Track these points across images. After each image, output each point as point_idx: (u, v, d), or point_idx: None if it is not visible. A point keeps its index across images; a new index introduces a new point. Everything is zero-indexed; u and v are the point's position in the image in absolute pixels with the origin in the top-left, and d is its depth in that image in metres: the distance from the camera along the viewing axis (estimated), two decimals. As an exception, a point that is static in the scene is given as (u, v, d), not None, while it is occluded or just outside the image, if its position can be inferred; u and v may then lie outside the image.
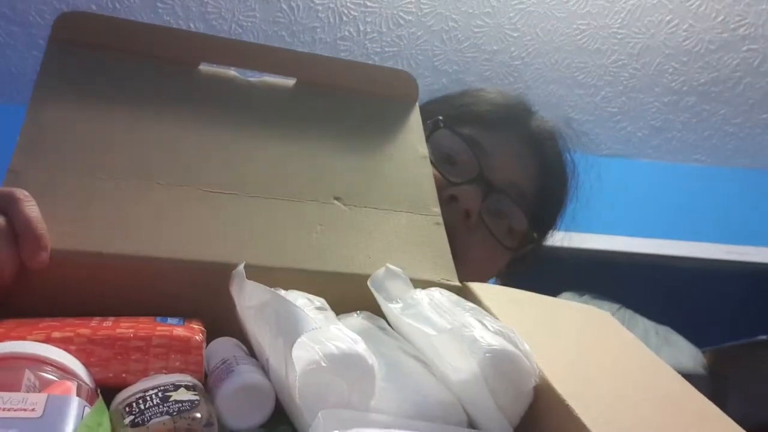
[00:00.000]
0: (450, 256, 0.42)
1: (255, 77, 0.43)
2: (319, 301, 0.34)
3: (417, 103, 0.47)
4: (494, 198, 0.56)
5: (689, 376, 2.09)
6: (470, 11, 1.87)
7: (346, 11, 1.90)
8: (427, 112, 0.62)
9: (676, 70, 2.05)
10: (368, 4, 1.87)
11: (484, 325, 0.31)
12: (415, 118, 0.46)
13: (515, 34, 1.95)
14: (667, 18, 1.86)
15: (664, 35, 1.92)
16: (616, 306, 2.34)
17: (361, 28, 1.96)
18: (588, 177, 0.69)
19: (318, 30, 1.98)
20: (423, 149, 0.46)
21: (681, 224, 2.35)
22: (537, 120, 0.63)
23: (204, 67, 0.42)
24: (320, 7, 1.90)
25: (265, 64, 0.44)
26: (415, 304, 0.35)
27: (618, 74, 2.08)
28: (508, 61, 2.05)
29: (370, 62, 2.08)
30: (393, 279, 0.36)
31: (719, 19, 1.85)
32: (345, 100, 0.44)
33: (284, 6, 1.90)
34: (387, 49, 2.03)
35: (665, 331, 2.32)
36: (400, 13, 1.89)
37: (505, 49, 2.01)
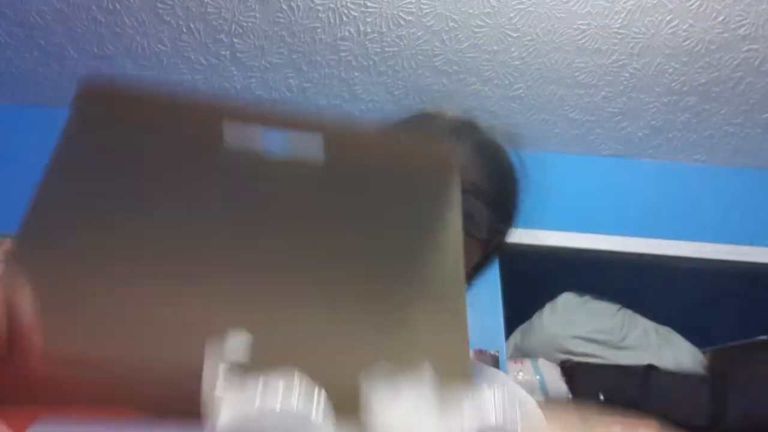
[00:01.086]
0: None
1: (283, 146, 0.39)
2: None
3: (458, 181, 0.43)
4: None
5: (689, 376, 2.10)
6: (470, 11, 1.87)
7: (346, 11, 1.90)
8: None
9: (676, 70, 2.05)
10: (368, 4, 1.87)
11: None
12: (456, 201, 0.42)
13: (515, 35, 1.95)
14: (668, 18, 1.86)
15: (664, 35, 1.92)
16: (616, 306, 2.34)
17: (362, 29, 1.96)
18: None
19: (318, 30, 1.98)
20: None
21: (681, 224, 2.35)
22: (484, 132, 0.68)
23: (228, 134, 0.38)
24: (320, 8, 1.90)
25: (292, 125, 0.40)
26: None
27: (618, 74, 2.08)
28: (508, 62, 2.05)
29: (371, 64, 2.08)
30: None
31: (720, 19, 1.85)
32: (378, 179, 0.40)
33: (284, 6, 1.90)
34: (387, 50, 2.03)
35: (665, 331, 2.33)
36: (401, 14, 1.89)
37: (506, 50, 2.01)
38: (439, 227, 0.40)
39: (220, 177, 0.38)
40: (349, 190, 0.39)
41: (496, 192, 0.64)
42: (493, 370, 0.72)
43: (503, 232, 0.71)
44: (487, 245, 0.67)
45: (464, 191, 0.57)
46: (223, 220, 0.36)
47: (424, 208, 0.40)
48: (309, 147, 0.38)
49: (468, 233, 0.60)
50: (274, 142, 0.39)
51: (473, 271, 0.69)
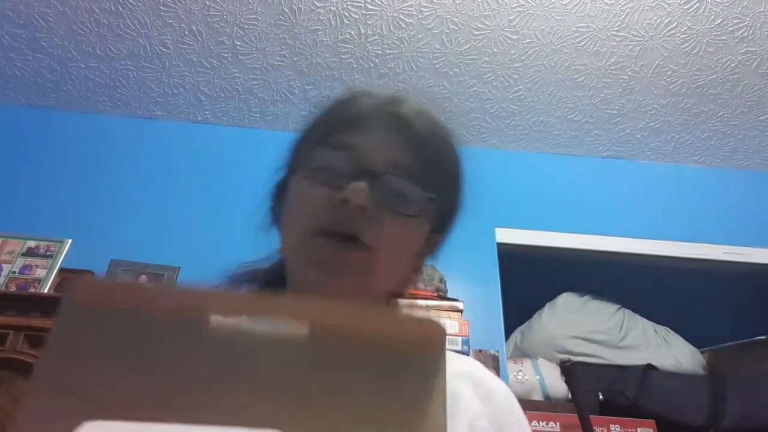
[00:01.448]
0: None
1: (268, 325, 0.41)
2: None
3: (443, 358, 0.45)
4: (380, 182, 0.59)
5: (688, 376, 2.10)
6: (470, 14, 1.89)
7: (347, 14, 1.92)
8: (306, 137, 0.67)
9: (674, 72, 2.07)
10: (369, 6, 1.88)
11: None
12: (440, 379, 0.41)
13: (515, 37, 1.96)
14: (666, 20, 1.87)
15: (662, 37, 1.93)
16: (615, 307, 2.35)
17: (362, 31, 1.97)
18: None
19: (319, 32, 1.99)
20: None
21: (680, 225, 2.36)
22: (405, 106, 0.67)
23: (216, 321, 0.40)
24: (321, 10, 1.91)
25: (278, 312, 0.42)
26: None
27: (617, 76, 2.10)
28: (508, 64, 2.07)
29: (372, 66, 2.10)
30: None
31: (717, 21, 1.86)
32: (362, 355, 0.42)
33: (286, 9, 1.91)
34: (388, 52, 2.04)
35: (664, 331, 2.34)
36: (401, 16, 1.91)
37: (505, 52, 2.02)
38: (420, 409, 0.39)
39: (204, 352, 0.39)
40: (332, 366, 0.40)
41: (424, 167, 0.62)
42: (466, 359, 0.71)
43: (447, 212, 0.69)
44: (429, 225, 0.65)
45: (386, 174, 0.59)
46: (205, 393, 0.37)
47: (407, 389, 0.40)
48: (294, 329, 0.40)
49: (401, 213, 0.60)
50: (259, 326, 0.41)
51: (421, 256, 0.68)
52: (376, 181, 0.58)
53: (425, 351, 0.40)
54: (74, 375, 0.39)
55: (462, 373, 0.65)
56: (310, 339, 0.39)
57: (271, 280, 0.69)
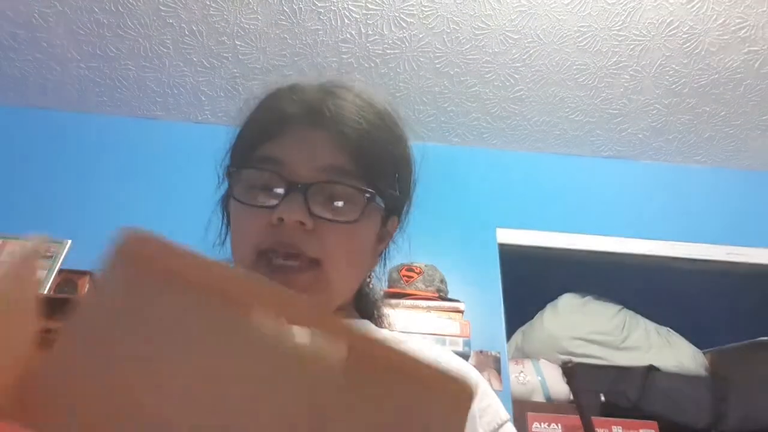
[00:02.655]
0: None
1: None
2: None
3: (465, 419, 0.46)
4: (313, 193, 0.56)
5: (690, 377, 2.09)
6: (471, 13, 1.88)
7: (347, 13, 1.91)
8: (234, 150, 0.65)
9: (676, 72, 2.06)
10: (370, 6, 1.88)
11: None
12: None
13: (516, 36, 1.96)
14: (668, 20, 1.86)
15: (664, 37, 1.93)
16: (617, 307, 2.34)
17: (363, 30, 1.97)
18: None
19: (320, 32, 1.98)
20: None
21: (682, 225, 2.36)
22: (330, 100, 0.61)
23: (257, 317, 0.40)
24: (322, 10, 1.90)
25: (320, 326, 0.42)
26: None
27: (619, 76, 2.09)
28: (509, 63, 2.06)
29: (373, 66, 2.09)
30: None
31: (720, 21, 1.85)
32: (390, 395, 0.42)
33: (286, 8, 1.91)
34: (389, 51, 2.04)
35: (666, 332, 2.33)
36: (402, 15, 1.90)
37: (507, 51, 2.01)
38: None
39: (234, 348, 0.39)
40: (359, 396, 0.40)
41: (364, 163, 0.58)
42: (433, 346, 0.69)
43: (398, 198, 0.65)
44: (379, 218, 0.61)
45: (317, 183, 0.55)
46: (229, 399, 0.37)
47: None
48: (332, 348, 0.40)
49: (342, 220, 0.56)
50: (298, 335, 0.40)
51: (380, 243, 0.65)
52: (308, 192, 0.55)
53: (451, 408, 0.40)
54: (104, 332, 0.38)
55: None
56: (345, 363, 0.39)
57: None
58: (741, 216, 2.40)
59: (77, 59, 2.17)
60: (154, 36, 2.04)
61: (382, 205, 0.60)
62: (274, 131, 0.59)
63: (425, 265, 1.92)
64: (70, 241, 1.79)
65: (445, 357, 0.65)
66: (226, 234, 0.69)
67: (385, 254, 0.70)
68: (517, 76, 2.12)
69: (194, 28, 2.00)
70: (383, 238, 0.66)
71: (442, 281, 1.94)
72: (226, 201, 0.67)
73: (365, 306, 0.72)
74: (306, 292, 0.55)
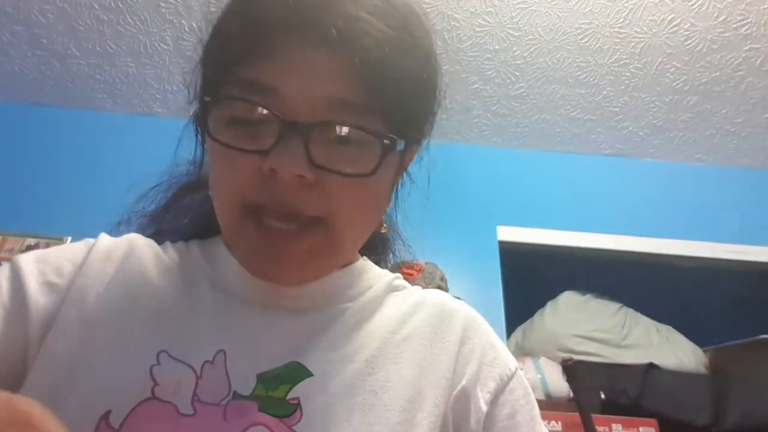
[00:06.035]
0: None
1: None
2: None
3: None
4: (317, 136, 0.43)
5: (690, 375, 2.09)
6: (472, 10, 1.87)
7: (348, 10, 1.90)
8: (209, 57, 0.51)
9: (677, 70, 2.05)
10: (370, 3, 1.87)
11: None
12: None
13: (517, 33, 1.95)
14: (669, 17, 1.86)
15: (665, 34, 1.92)
16: (617, 305, 2.34)
17: (363, 28, 1.96)
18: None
19: (320, 29, 1.98)
20: None
21: (682, 223, 2.35)
22: (336, 3, 0.44)
23: None
24: (322, 7, 1.90)
25: None
26: None
27: (620, 73, 2.08)
28: (510, 60, 2.05)
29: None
30: None
31: (721, 18, 1.85)
32: None
33: (286, 5, 1.90)
34: (389, 48, 2.03)
35: (666, 330, 2.33)
36: (402, 13, 1.89)
37: (507, 48, 2.01)
38: None
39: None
40: None
41: (385, 94, 0.44)
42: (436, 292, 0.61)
43: (420, 123, 0.54)
44: (398, 158, 0.50)
45: (321, 124, 0.42)
46: None
47: None
48: None
49: (354, 172, 0.44)
50: None
51: (394, 185, 0.55)
52: (309, 136, 0.42)
53: None
54: None
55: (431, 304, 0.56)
56: None
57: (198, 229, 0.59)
58: (741, 214, 2.40)
59: (77, 56, 2.16)
60: (154, 33, 2.04)
61: (402, 145, 0.48)
62: (263, 47, 0.44)
63: (425, 263, 1.92)
64: (69, 239, 1.79)
65: (441, 297, 0.58)
66: (201, 160, 0.57)
67: (397, 188, 0.58)
68: (517, 73, 2.11)
69: (194, 25, 2.00)
70: (399, 172, 0.55)
71: (443, 279, 1.94)
72: (200, 124, 0.52)
73: (383, 250, 0.65)
74: (307, 257, 0.46)
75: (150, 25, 2.01)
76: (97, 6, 1.95)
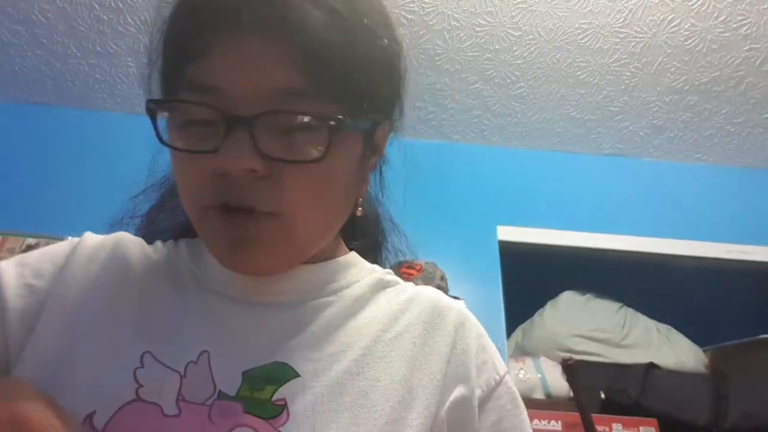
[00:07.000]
0: None
1: None
2: None
3: None
4: (262, 127, 0.42)
5: (690, 375, 2.09)
6: (472, 10, 1.87)
7: (348, 10, 1.90)
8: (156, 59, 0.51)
9: (677, 69, 2.05)
10: (370, 3, 1.87)
11: None
12: None
13: (517, 33, 1.95)
14: (669, 17, 1.86)
15: (665, 34, 1.92)
16: (617, 305, 2.34)
17: (364, 27, 1.96)
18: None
19: (320, 29, 1.98)
20: None
21: (682, 223, 2.35)
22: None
23: None
24: (322, 6, 1.90)
25: None
26: None
27: (620, 73, 2.08)
28: (510, 60, 2.05)
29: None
30: None
31: (721, 18, 1.85)
32: None
33: (286, 5, 1.90)
34: (389, 48, 2.03)
35: (666, 329, 2.33)
36: (403, 12, 1.89)
37: (507, 48, 2.01)
38: None
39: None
40: None
41: (332, 75, 0.44)
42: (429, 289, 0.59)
43: (384, 101, 0.53)
44: (360, 137, 0.49)
45: (267, 114, 0.42)
46: None
47: None
48: None
49: (305, 158, 0.43)
50: None
51: (366, 161, 0.52)
52: (254, 128, 0.41)
53: None
54: None
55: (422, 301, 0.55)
56: None
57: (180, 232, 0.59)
58: (742, 214, 2.40)
59: (77, 56, 2.16)
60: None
61: (360, 124, 0.48)
62: (201, 46, 0.43)
63: (425, 263, 1.92)
64: (69, 238, 1.78)
65: (434, 293, 0.58)
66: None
67: (380, 168, 0.58)
68: (518, 73, 2.11)
69: (194, 25, 2.00)
70: (372, 152, 0.53)
71: (443, 278, 1.94)
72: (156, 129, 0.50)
73: (363, 236, 0.63)
74: (264, 245, 0.46)
75: (150, 25, 2.01)
76: (97, 6, 1.95)
